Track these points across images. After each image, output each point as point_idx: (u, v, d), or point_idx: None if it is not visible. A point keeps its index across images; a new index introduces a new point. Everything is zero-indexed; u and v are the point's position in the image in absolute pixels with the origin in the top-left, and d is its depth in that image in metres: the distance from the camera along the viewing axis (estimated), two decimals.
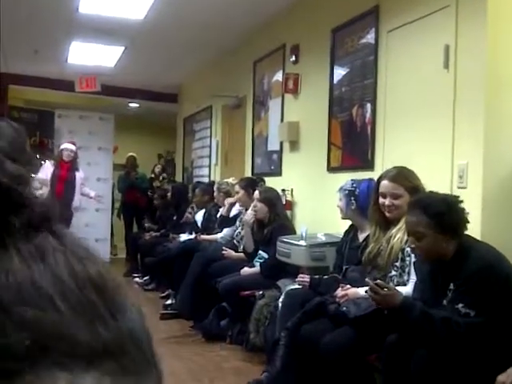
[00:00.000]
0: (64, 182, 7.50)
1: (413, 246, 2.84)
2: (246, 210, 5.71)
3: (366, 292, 2.90)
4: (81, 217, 8.84)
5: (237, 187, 5.89)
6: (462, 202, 2.76)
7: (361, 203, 3.71)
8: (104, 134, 9.90)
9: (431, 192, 2.89)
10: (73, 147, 7.63)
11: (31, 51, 7.54)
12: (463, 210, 2.74)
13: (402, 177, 3.32)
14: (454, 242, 2.73)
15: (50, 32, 6.94)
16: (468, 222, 2.75)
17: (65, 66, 8.35)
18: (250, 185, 5.69)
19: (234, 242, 5.75)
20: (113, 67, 8.42)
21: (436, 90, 3.69)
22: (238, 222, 5.87)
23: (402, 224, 3.12)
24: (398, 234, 3.21)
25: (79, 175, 7.61)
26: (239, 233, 5.72)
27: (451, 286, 2.71)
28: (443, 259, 2.76)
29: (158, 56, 7.94)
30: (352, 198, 3.76)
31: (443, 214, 2.70)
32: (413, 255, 3.12)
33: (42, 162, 8.05)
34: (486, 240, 2.97)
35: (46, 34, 7.01)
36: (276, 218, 4.94)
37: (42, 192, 5.17)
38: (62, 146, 7.71)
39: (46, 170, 7.53)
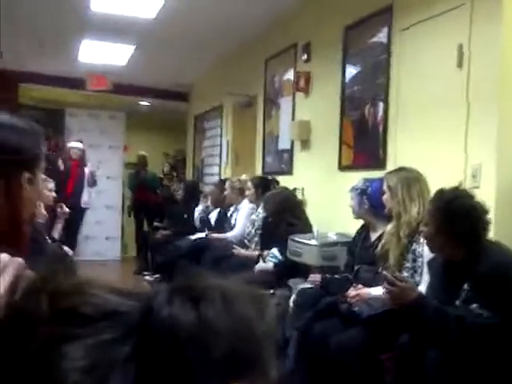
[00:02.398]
0: (74, 179, 7.64)
1: (423, 229, 2.86)
2: (257, 209, 5.73)
3: (383, 286, 2.86)
4: (91, 214, 8.89)
5: (249, 183, 5.88)
6: (483, 213, 2.69)
7: (373, 202, 3.69)
8: (114, 133, 9.94)
9: (465, 192, 2.81)
10: (80, 145, 7.82)
11: (41, 48, 7.54)
12: (482, 221, 2.69)
13: (391, 175, 3.43)
14: (463, 247, 2.70)
15: (61, 30, 6.96)
16: (484, 234, 2.71)
17: (75, 64, 8.37)
18: (262, 185, 5.70)
19: (245, 241, 5.73)
20: (124, 66, 8.43)
21: (449, 89, 3.66)
22: (248, 221, 5.86)
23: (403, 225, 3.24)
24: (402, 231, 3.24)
25: (88, 169, 7.75)
26: (250, 232, 5.71)
27: (465, 286, 2.69)
28: (454, 258, 2.74)
29: (168, 54, 7.94)
30: (364, 198, 3.74)
31: (455, 219, 2.67)
32: (425, 255, 3.10)
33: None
34: (500, 240, 2.95)
35: (57, 31, 7.03)
36: (292, 220, 4.85)
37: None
38: (70, 145, 7.91)
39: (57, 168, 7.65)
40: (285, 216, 4.83)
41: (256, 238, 5.59)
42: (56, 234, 5.10)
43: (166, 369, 0.48)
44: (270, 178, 5.99)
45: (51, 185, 4.99)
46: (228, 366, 0.49)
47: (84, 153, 7.90)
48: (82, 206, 7.77)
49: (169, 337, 0.48)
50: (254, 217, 5.78)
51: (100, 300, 0.51)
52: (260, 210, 5.64)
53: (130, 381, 0.47)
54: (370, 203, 3.72)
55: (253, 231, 5.66)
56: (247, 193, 5.92)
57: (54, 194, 5.02)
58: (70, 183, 7.63)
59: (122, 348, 0.48)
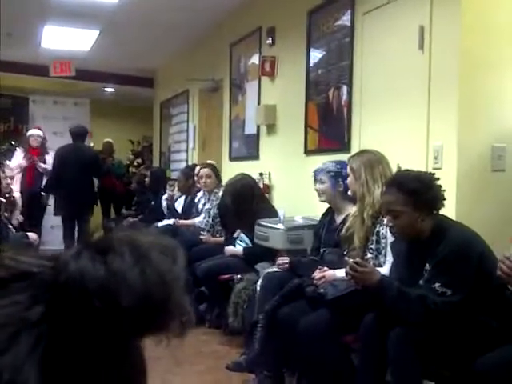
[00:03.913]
0: (34, 168, 7.52)
1: (390, 224, 2.86)
2: (209, 198, 5.72)
3: (345, 271, 2.90)
4: None
5: (208, 171, 5.82)
6: (437, 179, 2.79)
7: (347, 184, 3.66)
8: (79, 120, 9.77)
9: (406, 170, 2.90)
10: (40, 132, 7.66)
11: (4, 35, 7.38)
12: (438, 186, 2.76)
13: (354, 158, 3.44)
14: (431, 219, 2.75)
15: (23, 16, 6.81)
16: (444, 199, 2.77)
17: (38, 50, 8.22)
18: (217, 172, 5.79)
19: (204, 232, 5.66)
20: (87, 51, 8.30)
21: (411, 72, 3.69)
22: (204, 212, 5.83)
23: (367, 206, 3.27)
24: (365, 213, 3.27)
25: (48, 158, 7.61)
26: (208, 221, 5.67)
27: (427, 266, 2.74)
28: (420, 237, 2.78)
29: (133, 40, 7.84)
30: (339, 180, 3.73)
31: (418, 190, 2.72)
32: (388, 236, 3.14)
33: (17, 149, 8.02)
34: (461, 220, 3.00)
35: (19, 17, 6.87)
36: (254, 207, 4.85)
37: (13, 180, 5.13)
38: (29, 133, 7.77)
39: (18, 157, 7.53)
40: (245, 204, 4.82)
41: (218, 227, 5.56)
42: (14, 221, 5.04)
43: (77, 321, 0.49)
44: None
45: (6, 171, 4.93)
46: (139, 314, 0.50)
47: (44, 140, 7.76)
48: (43, 194, 7.67)
49: (77, 290, 0.49)
50: (207, 206, 5.75)
51: (12, 262, 0.51)
52: (213, 197, 5.66)
53: (43, 338, 0.48)
54: (344, 185, 3.68)
55: (210, 220, 5.63)
56: (208, 181, 5.79)
57: (8, 181, 4.95)
58: (30, 172, 7.52)
59: (34, 307, 0.48)
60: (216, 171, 5.84)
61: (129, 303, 0.49)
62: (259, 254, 4.57)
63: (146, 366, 0.57)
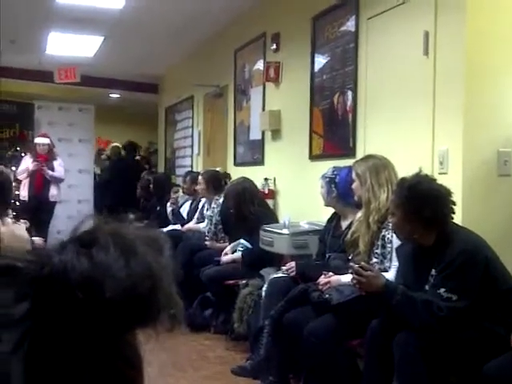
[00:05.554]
0: (42, 175, 7.54)
1: (390, 220, 2.89)
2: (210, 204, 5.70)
3: (351, 275, 2.89)
4: (63, 209, 8.79)
5: (200, 178, 5.81)
6: (447, 195, 2.75)
7: (340, 191, 3.71)
8: (84, 126, 9.80)
9: (427, 177, 2.85)
10: (45, 140, 7.68)
11: (8, 42, 7.42)
12: (446, 203, 2.74)
13: (359, 163, 3.45)
14: (432, 232, 2.74)
15: (28, 22, 6.85)
16: (451, 217, 2.76)
17: (43, 56, 8.25)
18: (213, 180, 5.73)
19: (206, 239, 5.65)
20: (92, 57, 8.33)
21: (416, 77, 3.69)
22: (206, 218, 5.82)
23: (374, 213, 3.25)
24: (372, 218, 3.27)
25: (57, 164, 7.62)
26: (210, 229, 5.65)
27: (433, 272, 2.73)
28: (423, 245, 2.78)
29: (137, 46, 7.87)
30: (332, 186, 3.76)
31: (419, 205, 2.71)
32: (394, 241, 3.13)
33: (23, 155, 8.04)
34: (467, 225, 2.99)
35: (24, 24, 6.91)
36: (255, 210, 4.87)
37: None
38: (36, 141, 7.77)
39: (27, 163, 7.56)
40: (248, 206, 4.83)
41: (221, 234, 5.56)
42: None
43: (62, 315, 0.48)
44: (221, 172, 5.98)
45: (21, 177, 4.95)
46: (125, 306, 0.49)
47: (51, 147, 7.77)
48: (51, 199, 7.69)
49: (60, 282, 0.49)
50: (209, 213, 5.74)
51: None
52: (214, 205, 5.65)
53: (28, 334, 0.48)
54: (338, 192, 3.74)
55: (212, 228, 5.62)
56: (198, 188, 5.81)
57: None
58: (38, 178, 7.54)
59: (19, 304, 0.49)
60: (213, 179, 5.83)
61: (113, 295, 0.48)
62: (258, 256, 4.56)
63: (142, 362, 0.56)
